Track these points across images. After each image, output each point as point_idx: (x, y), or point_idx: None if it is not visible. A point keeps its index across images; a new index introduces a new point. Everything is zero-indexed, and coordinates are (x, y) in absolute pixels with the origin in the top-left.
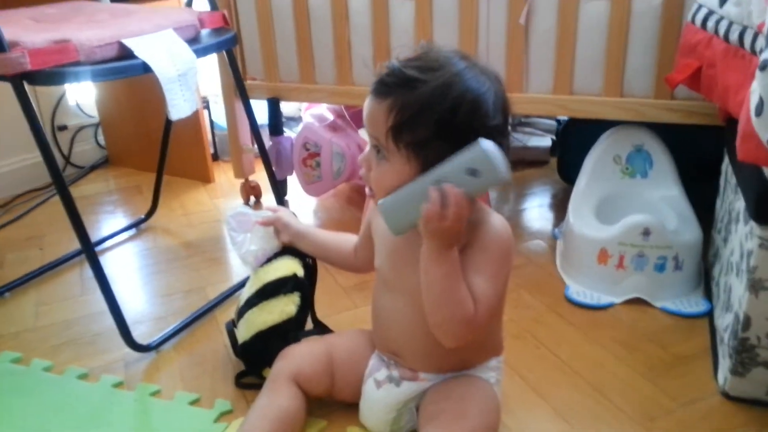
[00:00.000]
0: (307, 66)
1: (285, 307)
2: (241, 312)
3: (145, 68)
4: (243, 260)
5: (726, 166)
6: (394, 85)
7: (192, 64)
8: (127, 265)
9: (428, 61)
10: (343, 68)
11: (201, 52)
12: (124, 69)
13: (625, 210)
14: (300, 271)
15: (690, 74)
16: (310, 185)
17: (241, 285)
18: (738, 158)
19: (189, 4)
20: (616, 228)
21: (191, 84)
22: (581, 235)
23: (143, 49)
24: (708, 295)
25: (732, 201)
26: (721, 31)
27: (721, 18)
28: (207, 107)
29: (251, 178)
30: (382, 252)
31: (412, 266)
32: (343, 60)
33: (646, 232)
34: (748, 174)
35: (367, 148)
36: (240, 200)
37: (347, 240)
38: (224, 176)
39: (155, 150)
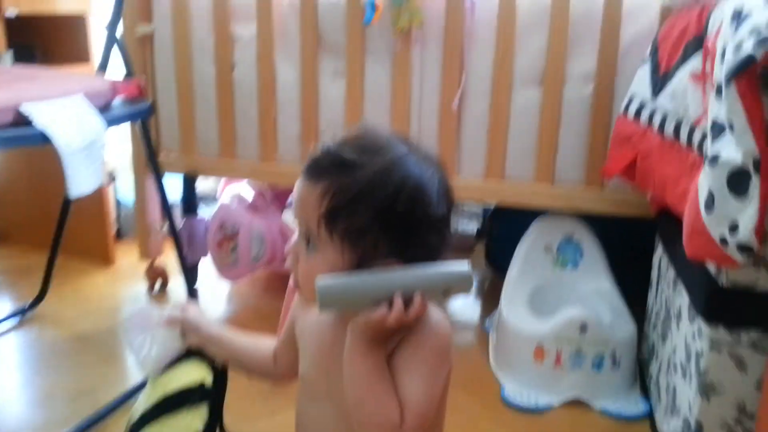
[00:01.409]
0: (229, 140)
1: (190, 422)
2: (134, 429)
3: (44, 138)
4: (141, 366)
5: (659, 258)
6: (329, 167)
7: (100, 134)
8: (5, 361)
9: (367, 143)
10: (267, 144)
11: (112, 122)
12: (17, 138)
13: (558, 302)
14: (208, 378)
15: (626, 166)
16: (226, 270)
17: (140, 388)
18: (687, 255)
19: (102, 68)
20: (552, 323)
21: (97, 156)
22: (516, 329)
23: (44, 115)
24: (645, 393)
25: (670, 296)
26: (656, 123)
27: (655, 110)
28: (112, 181)
29: (158, 260)
30: (309, 355)
31: (341, 372)
32: (268, 135)
33: (583, 328)
34: (691, 270)
35: (295, 236)
36: (143, 285)
37: (265, 345)
38: (127, 258)
39: (52, 226)
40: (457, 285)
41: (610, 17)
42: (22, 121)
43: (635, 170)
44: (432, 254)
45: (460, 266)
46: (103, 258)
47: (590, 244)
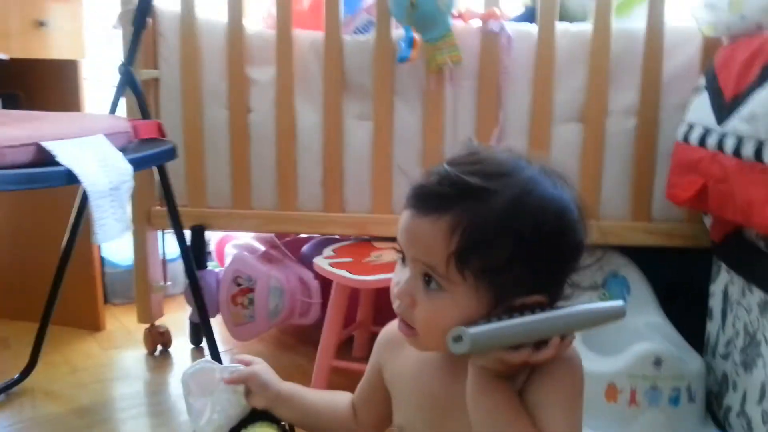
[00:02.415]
0: (243, 189)
1: None
2: None
3: (70, 178)
4: None
5: (723, 286)
6: (453, 197)
7: (127, 176)
8: None
9: (489, 166)
10: (287, 192)
11: (138, 164)
12: (42, 177)
13: (613, 340)
14: None
15: (696, 192)
16: (240, 327)
17: None
18: None
19: (113, 111)
20: (623, 359)
21: (124, 200)
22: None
23: (68, 153)
24: (717, 426)
25: (754, 322)
26: (728, 147)
27: (725, 135)
28: None
29: (158, 322)
30: (410, 404)
31: (456, 418)
32: (288, 183)
33: (658, 362)
34: None
35: (404, 276)
36: (139, 351)
37: (341, 400)
38: (116, 323)
39: (30, 293)
40: (611, 321)
41: (651, 51)
42: (42, 160)
43: (706, 196)
44: (570, 282)
45: (614, 305)
46: (91, 324)
47: (637, 279)
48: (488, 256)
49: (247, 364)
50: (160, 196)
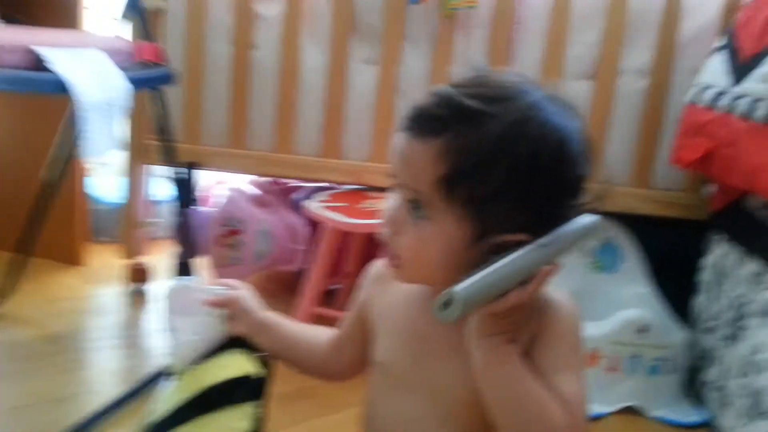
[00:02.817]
0: (241, 128)
1: (237, 422)
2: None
3: (61, 86)
4: (177, 355)
5: (717, 258)
6: (447, 119)
7: (121, 92)
8: None
9: (493, 88)
10: (285, 133)
11: (136, 84)
12: (31, 82)
13: (598, 308)
14: (254, 372)
15: (702, 154)
16: (225, 268)
17: (138, 391)
18: None
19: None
20: (609, 324)
21: (116, 117)
22: None
23: (61, 61)
24: (696, 401)
25: (745, 294)
26: (740, 109)
27: (738, 95)
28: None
29: (141, 259)
30: (394, 341)
31: (442, 358)
32: (287, 124)
33: (642, 330)
34: None
35: (393, 202)
36: (118, 288)
37: (323, 335)
38: (99, 259)
39: (9, 221)
40: (589, 237)
41: (669, 11)
42: (34, 67)
43: (711, 161)
44: (564, 219)
45: (589, 221)
46: (71, 259)
47: (631, 249)
48: (477, 184)
49: (232, 289)
50: (154, 131)
